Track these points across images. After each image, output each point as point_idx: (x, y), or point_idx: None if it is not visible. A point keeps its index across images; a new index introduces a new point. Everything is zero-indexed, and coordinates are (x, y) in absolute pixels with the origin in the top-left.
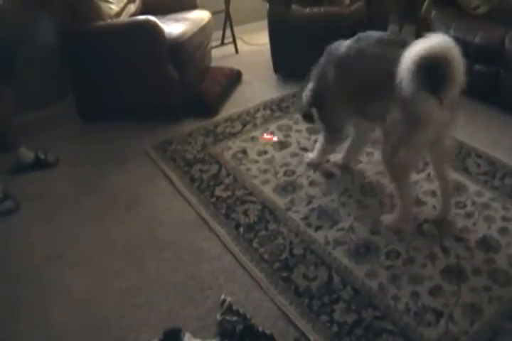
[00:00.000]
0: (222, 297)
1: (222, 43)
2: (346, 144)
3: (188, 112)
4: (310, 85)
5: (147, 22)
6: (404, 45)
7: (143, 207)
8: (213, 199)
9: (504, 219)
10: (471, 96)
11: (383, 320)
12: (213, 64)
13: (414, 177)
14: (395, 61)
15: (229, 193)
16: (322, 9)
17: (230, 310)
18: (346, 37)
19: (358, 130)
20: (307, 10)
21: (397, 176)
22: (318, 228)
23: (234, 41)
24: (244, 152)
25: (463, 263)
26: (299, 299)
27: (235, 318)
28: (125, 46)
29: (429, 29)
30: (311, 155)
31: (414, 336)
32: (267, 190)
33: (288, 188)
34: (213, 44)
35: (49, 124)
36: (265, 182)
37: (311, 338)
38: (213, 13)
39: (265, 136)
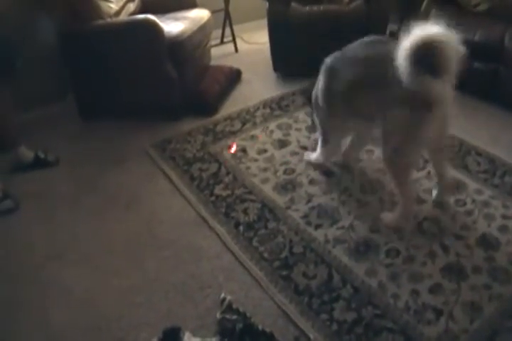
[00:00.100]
0: (222, 295)
1: (222, 42)
2: (346, 142)
3: (188, 111)
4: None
5: (146, 21)
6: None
7: (142, 206)
8: (213, 198)
9: (504, 217)
10: (470, 94)
11: (383, 318)
12: (213, 63)
13: (414, 175)
14: (389, 58)
15: (228, 192)
16: (321, 7)
17: (229, 308)
18: (345, 35)
19: (358, 129)
20: (307, 8)
21: (399, 175)
22: (318, 226)
23: (233, 40)
24: (243, 150)
25: (463, 261)
26: (299, 297)
27: (234, 317)
28: (124, 45)
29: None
30: (311, 155)
31: (414, 334)
32: (267, 189)
33: (288, 187)
34: (213, 43)
35: (49, 123)
36: (265, 180)
37: (311, 336)
38: (213, 12)
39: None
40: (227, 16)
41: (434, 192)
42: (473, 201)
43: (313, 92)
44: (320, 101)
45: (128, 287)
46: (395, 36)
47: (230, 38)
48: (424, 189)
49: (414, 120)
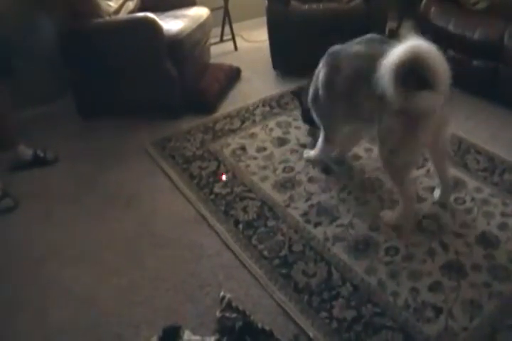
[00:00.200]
0: (222, 294)
1: (221, 40)
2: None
3: (187, 109)
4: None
5: (146, 19)
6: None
7: (142, 204)
8: (212, 196)
9: (503, 214)
10: (470, 92)
11: (383, 316)
12: (212, 61)
13: (413, 173)
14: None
15: (228, 190)
16: (321, 6)
17: (229, 306)
18: (345, 33)
19: (354, 127)
20: (306, 6)
21: (396, 175)
22: (317, 224)
23: (233, 38)
24: (243, 149)
25: (462, 259)
26: (299, 295)
27: (234, 315)
28: (124, 43)
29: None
30: (310, 152)
31: (413, 332)
32: (266, 187)
33: (287, 185)
34: (212, 41)
35: (48, 122)
36: (264, 178)
37: (311, 334)
38: (212, 10)
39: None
40: (227, 14)
41: (437, 193)
42: (473, 199)
43: (310, 91)
44: (321, 94)
45: (128, 285)
46: (394, 34)
47: (230, 36)
48: (424, 187)
49: (409, 125)
